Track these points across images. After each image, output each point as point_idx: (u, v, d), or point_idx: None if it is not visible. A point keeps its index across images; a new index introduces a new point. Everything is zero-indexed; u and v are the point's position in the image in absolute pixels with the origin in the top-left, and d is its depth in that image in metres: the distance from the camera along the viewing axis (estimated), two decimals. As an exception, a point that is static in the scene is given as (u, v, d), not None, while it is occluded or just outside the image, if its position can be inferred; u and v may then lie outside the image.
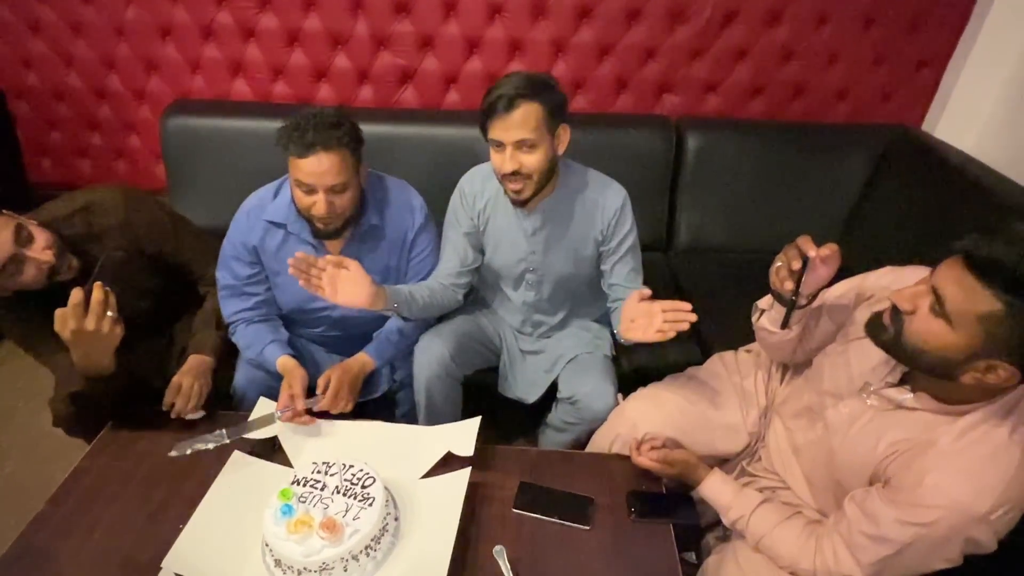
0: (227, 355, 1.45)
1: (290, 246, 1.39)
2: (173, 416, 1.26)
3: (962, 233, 0.86)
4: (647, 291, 1.18)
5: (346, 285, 1.17)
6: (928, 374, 0.93)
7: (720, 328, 1.63)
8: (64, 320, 1.06)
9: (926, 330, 0.87)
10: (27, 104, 2.33)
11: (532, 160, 1.26)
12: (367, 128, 2.00)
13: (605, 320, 1.62)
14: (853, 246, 1.97)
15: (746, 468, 1.24)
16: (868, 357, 1.04)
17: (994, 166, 1.79)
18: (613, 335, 1.60)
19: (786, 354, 1.22)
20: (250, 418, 1.21)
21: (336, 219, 1.30)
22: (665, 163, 2.03)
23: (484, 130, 1.29)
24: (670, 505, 1.14)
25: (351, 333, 1.52)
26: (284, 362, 1.36)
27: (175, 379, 1.29)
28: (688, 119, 2.13)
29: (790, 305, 1.04)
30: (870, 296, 1.12)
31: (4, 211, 1.26)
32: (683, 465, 1.14)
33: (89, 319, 1.06)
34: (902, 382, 1.00)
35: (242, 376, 1.43)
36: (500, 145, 1.26)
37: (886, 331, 0.93)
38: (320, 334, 1.55)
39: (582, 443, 1.45)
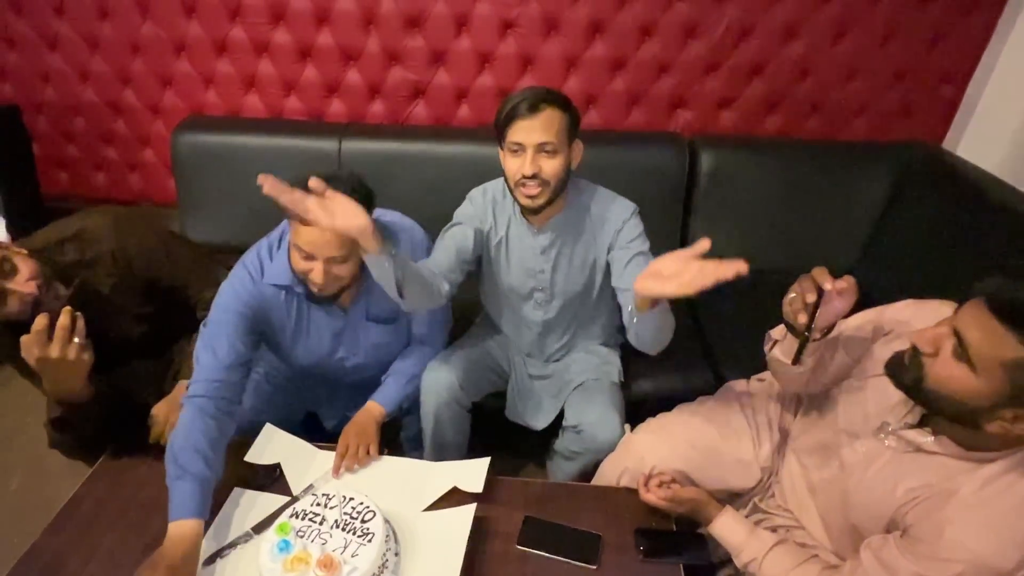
0: None
1: (304, 308, 1.33)
2: (152, 440, 1.25)
3: (987, 257, 0.83)
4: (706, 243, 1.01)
5: (339, 208, 1.00)
6: (952, 421, 0.89)
7: (735, 353, 1.59)
8: (28, 347, 1.04)
9: (948, 375, 0.84)
10: (45, 118, 2.37)
11: (552, 165, 1.25)
12: (377, 145, 2.05)
13: (613, 343, 1.59)
14: (872, 269, 1.96)
15: (759, 505, 1.20)
16: (886, 395, 1.00)
17: (1020, 186, 1.73)
18: (622, 359, 1.57)
19: (799, 386, 1.18)
20: (253, 445, 1.20)
21: (333, 287, 1.22)
22: (678, 181, 1.99)
23: (502, 134, 1.27)
24: (680, 543, 1.10)
25: (362, 376, 1.47)
26: (179, 528, 1.04)
27: (154, 409, 1.28)
28: (702, 137, 2.09)
29: (803, 340, 1.00)
30: (889, 331, 1.08)
31: None
32: (692, 503, 1.10)
33: (53, 346, 1.04)
34: (922, 423, 0.96)
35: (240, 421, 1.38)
36: (520, 148, 1.25)
37: (907, 373, 0.90)
38: (332, 382, 1.52)
39: (590, 472, 1.41)
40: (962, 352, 0.82)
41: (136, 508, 1.12)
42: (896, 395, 0.97)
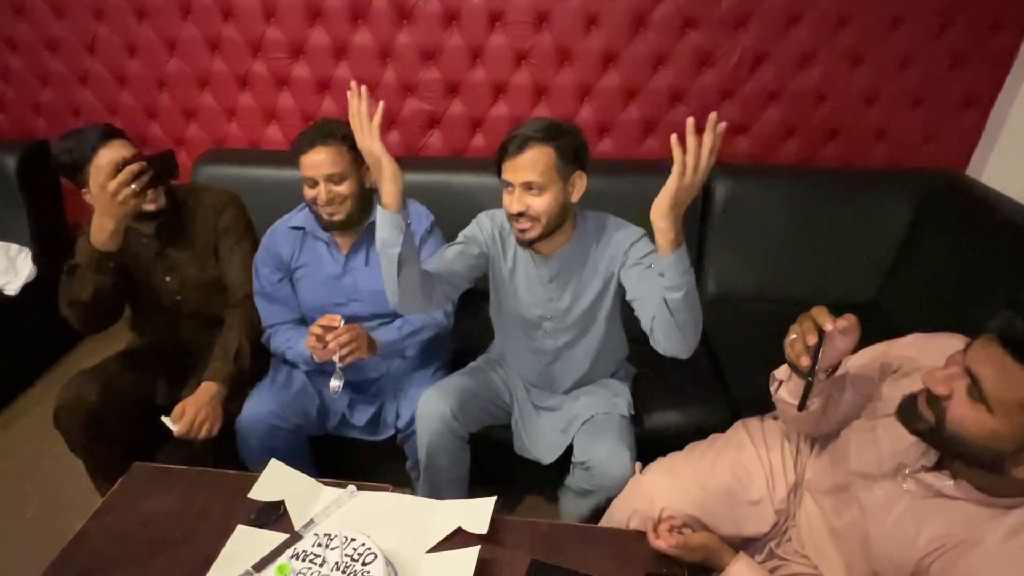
0: (238, 386, 1.53)
1: (308, 245, 1.58)
2: (177, 435, 1.35)
3: (1015, 289, 0.79)
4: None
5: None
6: (972, 465, 0.85)
7: (751, 386, 1.53)
8: (96, 175, 1.27)
9: (964, 416, 0.80)
10: (75, 151, 2.45)
11: (539, 203, 1.26)
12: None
13: (624, 375, 1.56)
14: (894, 302, 1.91)
15: (775, 551, 1.15)
16: (899, 436, 0.96)
17: (1047, 214, 1.68)
18: (633, 393, 1.55)
19: (809, 426, 1.15)
20: (258, 481, 1.20)
21: (338, 208, 1.45)
22: (692, 211, 1.93)
23: (498, 171, 1.30)
24: (691, 590, 1.06)
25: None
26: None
27: (181, 406, 1.39)
28: (716, 165, 2.06)
29: (807, 384, 0.96)
30: (896, 368, 1.04)
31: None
32: (704, 550, 1.06)
33: (113, 182, 1.25)
34: (940, 466, 0.92)
35: (247, 412, 1.48)
36: (510, 185, 1.28)
37: (922, 420, 0.86)
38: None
39: (603, 509, 1.37)
40: (977, 392, 0.79)
41: (141, 544, 1.11)
42: (910, 435, 0.93)
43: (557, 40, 2.03)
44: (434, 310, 1.45)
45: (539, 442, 1.51)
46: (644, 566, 1.08)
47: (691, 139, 1.02)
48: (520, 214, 1.27)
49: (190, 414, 1.37)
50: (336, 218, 1.45)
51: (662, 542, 1.06)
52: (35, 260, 2.17)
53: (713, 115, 1.03)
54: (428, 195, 2.00)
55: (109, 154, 1.40)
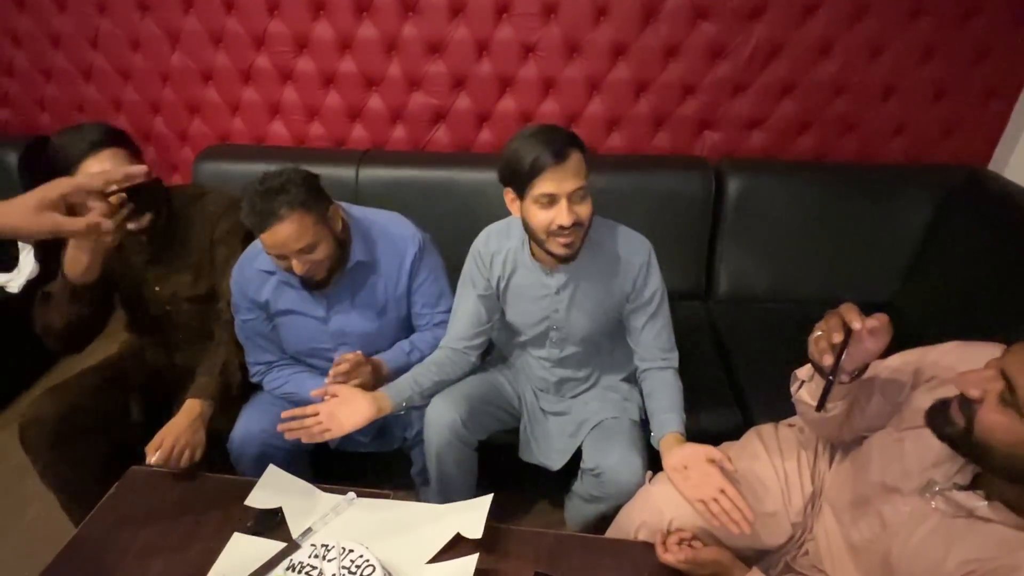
0: (227, 403, 1.44)
1: (285, 292, 1.42)
2: (153, 464, 1.23)
3: None
4: (719, 455, 1.13)
5: (343, 411, 1.23)
6: (1001, 476, 0.81)
7: (765, 391, 1.50)
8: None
9: (994, 421, 0.76)
10: (79, 146, 2.44)
11: (586, 209, 1.21)
12: (395, 172, 2.04)
13: (635, 379, 1.52)
14: (912, 303, 1.84)
15: (791, 564, 1.10)
16: (931, 449, 0.91)
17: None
18: (643, 396, 1.50)
19: (831, 431, 1.09)
20: (255, 488, 1.17)
21: (317, 271, 1.31)
22: (704, 207, 1.92)
23: (525, 187, 1.18)
24: (701, 606, 1.02)
25: None
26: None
27: (161, 433, 1.27)
28: (729, 160, 2.02)
29: (827, 384, 0.92)
30: (931, 376, 0.98)
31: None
32: (715, 566, 1.01)
33: (90, 215, 1.01)
34: (974, 485, 0.87)
35: (240, 431, 1.41)
36: (551, 199, 1.17)
37: (952, 424, 0.82)
38: (323, 374, 1.51)
39: (611, 516, 1.33)
40: (1011, 398, 0.74)
41: (134, 554, 1.09)
42: (943, 450, 0.88)
43: (565, 32, 1.98)
44: (470, 368, 1.48)
45: (547, 448, 1.47)
46: (651, 579, 1.04)
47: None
48: (574, 224, 1.18)
49: (168, 443, 1.24)
50: (317, 279, 1.33)
51: (671, 556, 1.02)
52: (37, 257, 2.16)
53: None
54: (433, 192, 1.98)
55: (95, 165, 1.27)
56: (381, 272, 1.42)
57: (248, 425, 1.41)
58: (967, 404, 0.80)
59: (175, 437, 1.26)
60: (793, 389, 1.10)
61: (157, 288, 1.51)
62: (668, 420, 1.27)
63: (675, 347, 1.40)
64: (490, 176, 1.94)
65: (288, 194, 1.21)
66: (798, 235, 1.92)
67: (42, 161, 2.21)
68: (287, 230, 1.20)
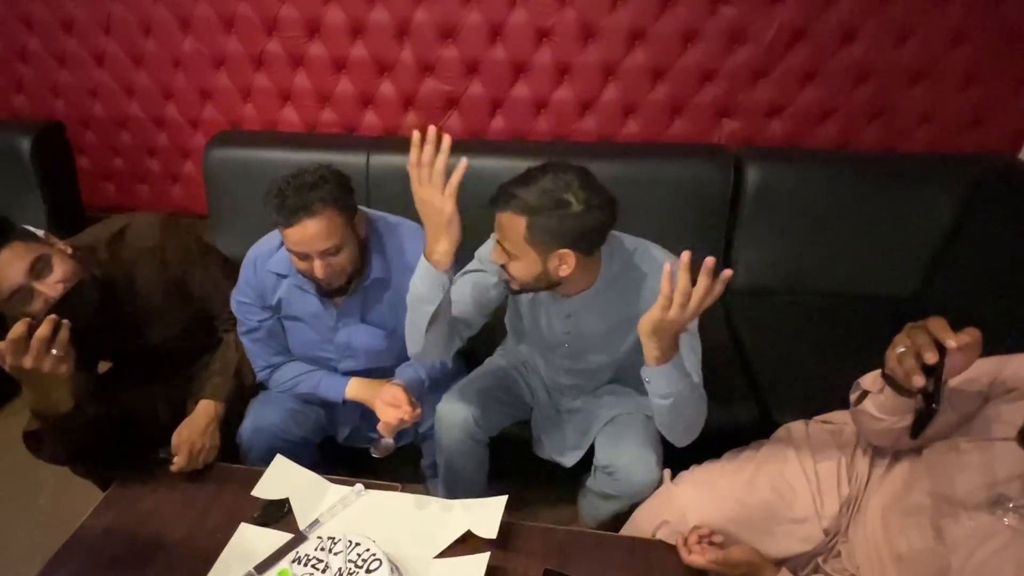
0: (239, 403, 1.44)
1: (296, 295, 1.37)
2: (174, 471, 1.23)
3: None
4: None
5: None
6: None
7: (782, 384, 1.46)
8: (2, 355, 1.00)
9: None
10: (92, 132, 2.44)
11: (514, 268, 1.15)
12: (405, 159, 1.97)
13: None
14: (936, 298, 1.78)
15: (821, 566, 1.06)
16: (1007, 464, 0.86)
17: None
18: None
19: (891, 440, 1.04)
20: (262, 478, 1.16)
21: (338, 277, 1.25)
22: (722, 196, 1.88)
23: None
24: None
25: None
26: (357, 387, 1.39)
27: (180, 436, 1.26)
28: (748, 149, 1.97)
29: (926, 411, 0.85)
30: (1012, 389, 0.92)
31: (43, 236, 1.27)
32: (747, 567, 0.96)
33: (27, 356, 1.00)
34: None
35: (249, 425, 1.40)
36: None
37: None
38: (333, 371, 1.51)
39: (626, 515, 1.31)
40: None
41: (141, 543, 1.09)
42: (1016, 465, 0.84)
43: (581, 16, 1.93)
44: (452, 352, 1.30)
45: (560, 445, 1.45)
46: (668, 578, 1.01)
47: (683, 276, 0.91)
48: (502, 265, 1.16)
49: (185, 449, 1.24)
50: (335, 286, 1.27)
51: (698, 557, 0.97)
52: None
53: (710, 260, 0.90)
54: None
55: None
56: (395, 291, 1.37)
57: (257, 419, 1.40)
58: None
59: (192, 442, 1.26)
60: (853, 398, 1.05)
61: (142, 340, 1.45)
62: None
63: (699, 372, 1.25)
64: (503, 164, 1.93)
65: (322, 190, 1.17)
66: (819, 226, 1.87)
67: (55, 147, 2.23)
68: (316, 227, 1.16)
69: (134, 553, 1.06)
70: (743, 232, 1.92)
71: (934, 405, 0.83)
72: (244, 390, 1.44)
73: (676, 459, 1.26)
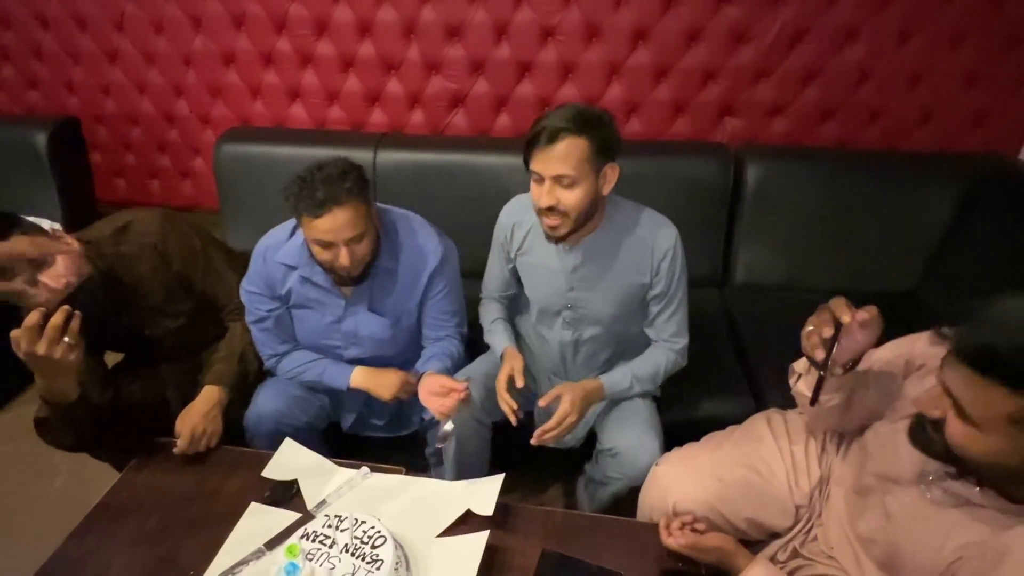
0: (244, 389, 1.46)
1: (304, 286, 1.40)
2: (176, 453, 1.26)
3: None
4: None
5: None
6: (997, 481, 0.81)
7: (777, 378, 1.46)
8: (17, 341, 1.04)
9: (960, 435, 0.77)
10: (105, 129, 2.49)
11: (570, 197, 1.20)
12: (412, 155, 2.04)
13: None
14: (935, 296, 1.81)
15: (799, 550, 1.10)
16: None
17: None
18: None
19: (831, 423, 1.10)
20: (271, 460, 1.20)
21: (359, 265, 1.29)
22: (722, 193, 1.90)
23: (526, 160, 1.24)
24: (710, 589, 1.02)
25: None
26: (361, 375, 1.43)
27: (182, 420, 1.29)
28: (748, 147, 2.00)
29: (819, 378, 0.92)
30: (921, 365, 0.98)
31: (51, 231, 1.31)
32: (719, 552, 1.01)
33: (40, 343, 1.04)
34: (964, 473, 0.87)
35: (254, 411, 1.43)
36: (540, 178, 1.22)
37: (934, 443, 0.82)
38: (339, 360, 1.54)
39: (623, 498, 1.35)
40: (962, 412, 0.74)
41: (156, 520, 1.13)
42: None
43: (585, 15, 1.97)
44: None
45: None
46: (660, 560, 1.05)
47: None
48: (550, 208, 1.22)
49: (187, 433, 1.27)
50: (355, 274, 1.31)
51: (673, 540, 1.02)
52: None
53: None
54: (452, 176, 1.98)
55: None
56: (401, 281, 1.42)
57: (262, 405, 1.43)
58: (936, 423, 0.80)
59: (194, 426, 1.29)
60: (791, 382, 1.10)
61: (148, 332, 1.48)
62: (611, 375, 1.37)
63: (685, 332, 1.41)
64: (508, 160, 1.96)
65: (348, 181, 1.22)
66: (818, 224, 1.89)
67: (70, 143, 2.27)
68: (345, 216, 1.20)
69: (149, 529, 1.10)
70: (743, 229, 1.94)
71: (821, 373, 0.90)
72: (249, 376, 1.47)
73: (675, 444, 1.30)
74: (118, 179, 2.59)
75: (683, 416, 1.52)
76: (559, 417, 1.27)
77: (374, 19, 2.07)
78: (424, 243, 1.42)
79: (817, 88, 1.99)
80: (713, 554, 1.01)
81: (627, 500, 1.32)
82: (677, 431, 1.38)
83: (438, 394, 1.27)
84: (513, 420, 1.32)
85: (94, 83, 2.39)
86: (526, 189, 1.45)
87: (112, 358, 1.58)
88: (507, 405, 1.32)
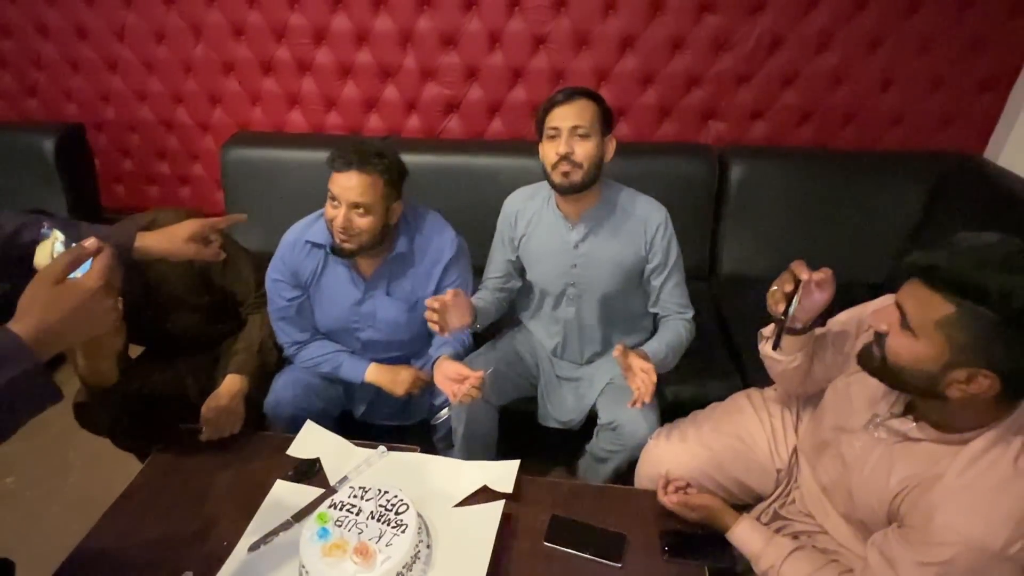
0: (263, 378, 1.53)
1: (329, 268, 1.50)
2: (202, 440, 1.33)
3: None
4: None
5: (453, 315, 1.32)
6: (916, 393, 0.94)
7: (761, 362, 1.58)
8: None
9: (899, 345, 0.89)
10: (105, 136, 2.52)
11: (584, 148, 1.35)
12: (414, 158, 2.09)
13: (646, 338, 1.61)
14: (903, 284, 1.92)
15: (779, 512, 1.20)
16: (870, 388, 1.04)
17: (1065, 195, 1.69)
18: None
19: (795, 384, 1.21)
20: (295, 440, 1.26)
21: (352, 239, 1.38)
22: (708, 192, 2.01)
23: (541, 125, 1.39)
24: (704, 546, 1.11)
25: (379, 356, 1.57)
26: (376, 371, 1.51)
27: (207, 408, 1.35)
28: (731, 148, 2.10)
29: (779, 324, 1.06)
30: (869, 326, 1.09)
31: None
32: (707, 511, 1.13)
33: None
34: (906, 412, 0.99)
35: (273, 398, 1.51)
36: (556, 132, 1.36)
37: (874, 359, 0.94)
38: (354, 353, 1.60)
39: (623, 472, 1.44)
40: (905, 322, 0.87)
41: (187, 497, 1.19)
42: (880, 387, 1.01)
43: (575, 24, 2.06)
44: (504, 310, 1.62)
45: (563, 409, 1.57)
46: (659, 523, 1.14)
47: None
48: (565, 156, 1.34)
49: (212, 419, 1.34)
50: (346, 246, 1.39)
51: (667, 500, 1.13)
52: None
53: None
54: (448, 177, 2.05)
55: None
56: (418, 267, 1.51)
57: (280, 393, 1.50)
58: (880, 338, 0.92)
59: (218, 415, 1.36)
60: (760, 346, 1.22)
61: (169, 325, 1.55)
62: (649, 345, 1.42)
63: (691, 305, 1.53)
64: (501, 162, 2.04)
65: (382, 161, 1.35)
66: (797, 218, 2.00)
67: (76, 149, 2.30)
68: (360, 182, 1.32)
69: (179, 507, 1.16)
70: (728, 225, 2.05)
71: (782, 316, 1.04)
72: (267, 366, 1.54)
73: (669, 419, 1.41)
74: (117, 185, 2.62)
75: (675, 397, 1.61)
76: (643, 370, 1.25)
77: (371, 28, 2.14)
78: (442, 235, 1.52)
79: (795, 92, 2.10)
80: (700, 512, 1.12)
81: (627, 475, 1.40)
82: (670, 411, 1.47)
83: (454, 380, 1.34)
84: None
85: (94, 91, 2.43)
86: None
87: (133, 352, 1.63)
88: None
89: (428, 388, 1.52)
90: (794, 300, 1.02)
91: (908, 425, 0.96)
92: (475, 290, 1.61)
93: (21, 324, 0.69)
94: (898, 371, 0.90)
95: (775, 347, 1.10)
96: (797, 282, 1.02)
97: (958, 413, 0.90)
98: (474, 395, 1.31)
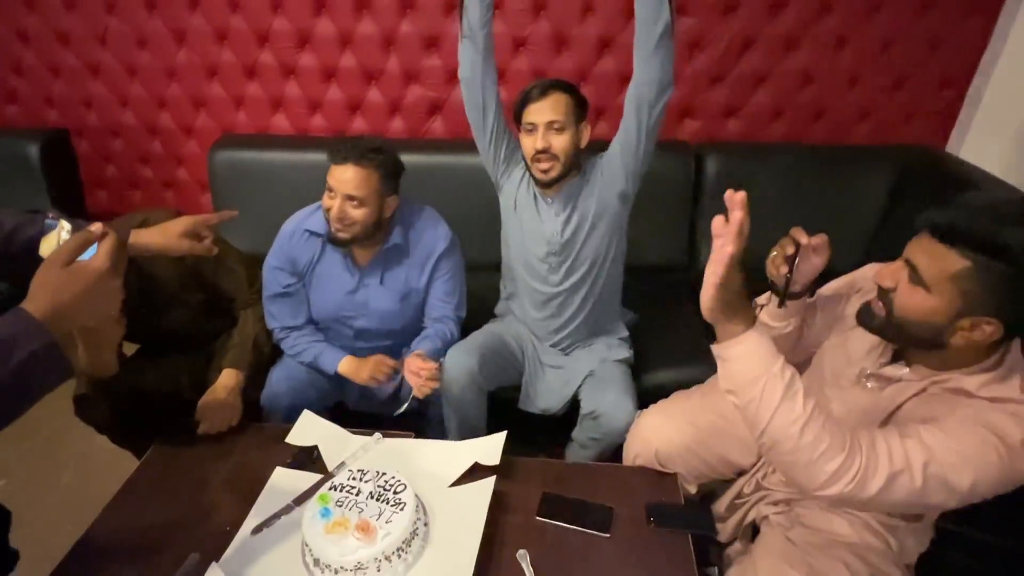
0: (257, 371, 1.56)
1: (328, 254, 1.56)
2: (200, 433, 1.35)
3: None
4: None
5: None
6: (920, 346, 0.98)
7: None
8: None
9: (909, 299, 0.93)
10: (87, 141, 2.51)
11: (561, 141, 1.42)
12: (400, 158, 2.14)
13: (624, 332, 1.69)
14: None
15: (761, 482, 1.25)
16: (862, 343, 1.09)
17: (1022, 187, 1.78)
18: (635, 352, 1.65)
19: (785, 350, 1.23)
20: (293, 429, 1.30)
21: (346, 228, 1.44)
22: (685, 186, 2.08)
23: (519, 118, 1.48)
24: (688, 516, 1.17)
25: (372, 344, 1.63)
26: (347, 363, 1.55)
27: (204, 402, 1.39)
28: (707, 145, 2.18)
29: (785, 285, 1.11)
30: (859, 288, 1.17)
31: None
32: (739, 297, 0.93)
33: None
34: (895, 359, 1.05)
35: (268, 391, 1.54)
36: (533, 127, 1.42)
37: (875, 316, 0.99)
38: (343, 344, 1.65)
39: (606, 459, 1.49)
40: (916, 278, 0.91)
41: (187, 488, 1.21)
42: (869, 342, 1.07)
43: (555, 27, 2.11)
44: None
45: (547, 395, 1.62)
46: (646, 497, 1.19)
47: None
48: (543, 151, 1.41)
49: (209, 416, 1.37)
50: (340, 235, 1.45)
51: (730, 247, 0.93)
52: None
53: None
54: (431, 176, 2.09)
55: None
56: (412, 259, 1.58)
57: (276, 385, 1.54)
58: (884, 294, 0.97)
59: (215, 409, 1.39)
60: (758, 314, 1.27)
61: (162, 323, 1.56)
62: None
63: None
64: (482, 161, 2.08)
65: (378, 157, 1.42)
66: (771, 211, 1.99)
67: (60, 154, 2.30)
68: (355, 175, 1.39)
69: (182, 496, 1.18)
70: (705, 217, 2.12)
71: (788, 276, 1.10)
72: (262, 359, 1.58)
73: (645, 405, 1.46)
74: (99, 191, 2.61)
75: (654, 382, 1.67)
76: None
77: (355, 31, 2.18)
78: (436, 229, 1.59)
79: (767, 91, 2.18)
80: (732, 287, 0.93)
81: (609, 459, 1.47)
82: (651, 396, 1.52)
83: (413, 373, 1.42)
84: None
85: (76, 96, 2.42)
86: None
87: (127, 349, 1.65)
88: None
89: (399, 376, 1.57)
90: (795, 262, 1.08)
91: (901, 370, 1.02)
92: (466, 284, 1.65)
93: (34, 304, 0.73)
94: (903, 324, 0.94)
95: (782, 304, 1.13)
96: (796, 246, 1.08)
97: (953, 356, 0.95)
98: (432, 386, 1.37)
